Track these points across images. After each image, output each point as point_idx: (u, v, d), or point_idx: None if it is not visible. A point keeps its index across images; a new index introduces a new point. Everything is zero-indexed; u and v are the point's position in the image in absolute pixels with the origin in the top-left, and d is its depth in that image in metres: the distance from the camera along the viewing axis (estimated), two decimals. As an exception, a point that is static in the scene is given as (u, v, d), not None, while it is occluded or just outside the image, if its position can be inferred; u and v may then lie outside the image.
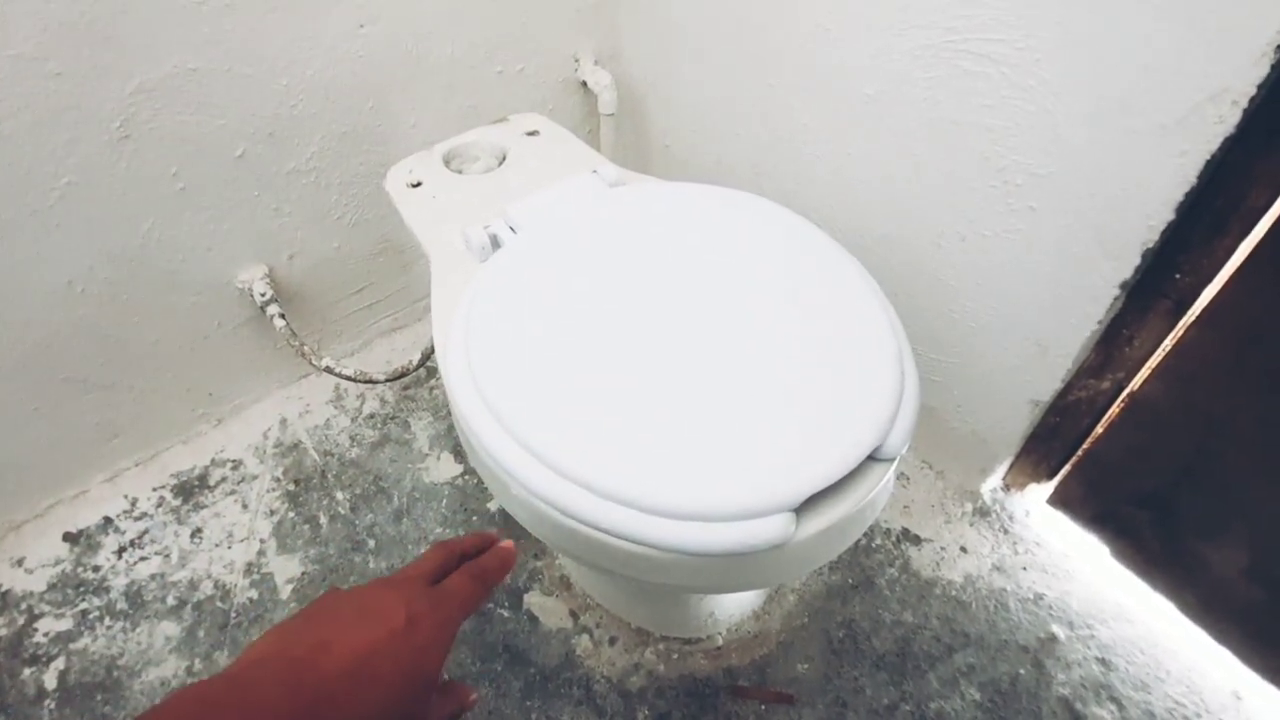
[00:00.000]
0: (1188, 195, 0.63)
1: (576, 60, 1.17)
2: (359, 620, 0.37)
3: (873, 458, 0.56)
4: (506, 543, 0.47)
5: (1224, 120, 0.58)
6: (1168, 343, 0.75)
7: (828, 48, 0.85)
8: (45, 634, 0.92)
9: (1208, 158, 0.60)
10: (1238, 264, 0.66)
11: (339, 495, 1.05)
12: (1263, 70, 0.55)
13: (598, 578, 0.88)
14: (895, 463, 0.58)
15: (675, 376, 0.59)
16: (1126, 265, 0.70)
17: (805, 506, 0.53)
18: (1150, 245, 0.68)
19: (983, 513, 1.01)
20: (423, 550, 0.97)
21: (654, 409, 0.57)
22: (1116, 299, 0.73)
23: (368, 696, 0.35)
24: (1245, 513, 0.78)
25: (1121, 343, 0.77)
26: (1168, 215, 0.65)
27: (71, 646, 0.91)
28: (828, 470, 0.53)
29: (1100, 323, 0.76)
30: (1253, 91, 0.56)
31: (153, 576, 0.97)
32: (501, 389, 0.59)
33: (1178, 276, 0.69)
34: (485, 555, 0.46)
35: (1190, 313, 0.72)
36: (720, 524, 0.52)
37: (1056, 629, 0.89)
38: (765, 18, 0.90)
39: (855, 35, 0.81)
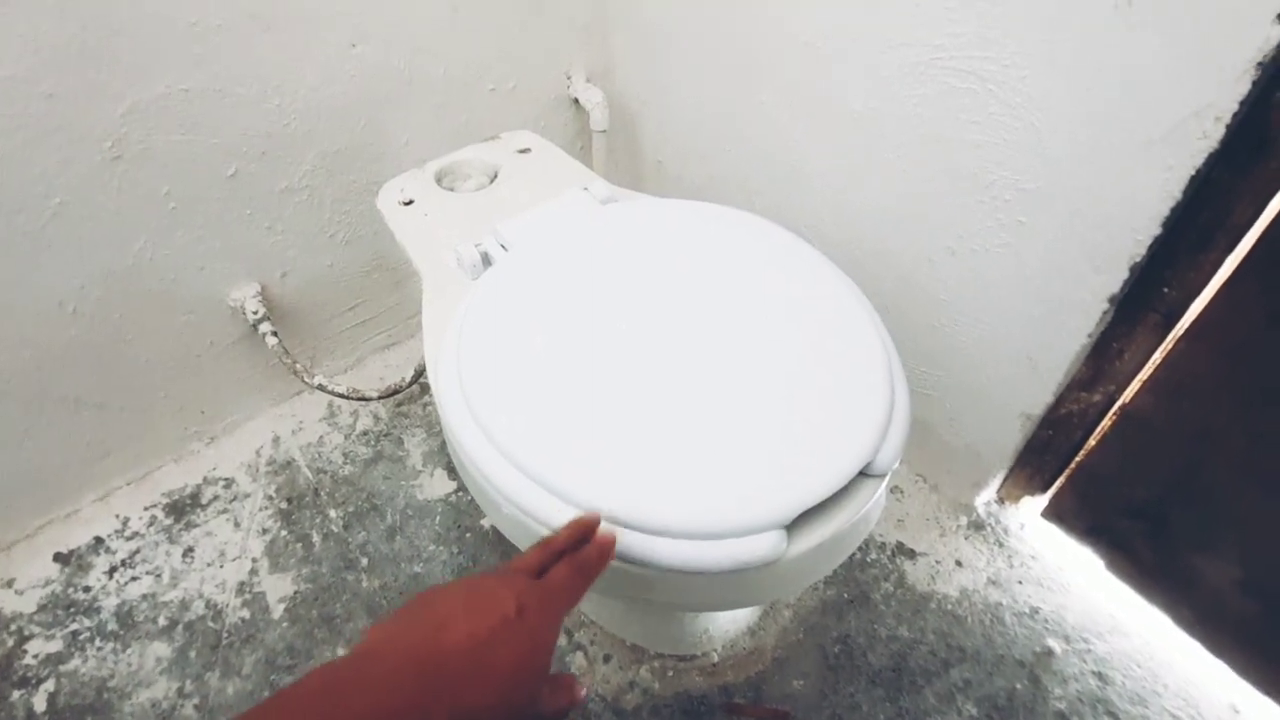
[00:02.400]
0: (1174, 210, 0.64)
1: (568, 77, 1.17)
2: (473, 608, 0.38)
3: (864, 473, 0.56)
4: (607, 535, 0.49)
5: (1208, 136, 0.59)
6: (1157, 356, 0.76)
7: (817, 65, 0.85)
8: (35, 656, 0.91)
9: (1192, 173, 0.61)
10: (1224, 278, 0.67)
11: (332, 513, 1.05)
12: (1244, 87, 0.55)
13: (591, 594, 0.88)
14: (887, 478, 0.58)
15: (666, 394, 0.59)
16: (1115, 279, 0.71)
17: (797, 523, 0.53)
18: (1138, 259, 0.68)
19: (977, 526, 1.01)
20: (417, 569, 0.97)
21: (645, 427, 0.57)
22: (1106, 313, 0.73)
23: (485, 679, 0.36)
24: (1238, 525, 0.78)
25: (1111, 356, 0.77)
26: (1154, 230, 0.65)
27: (61, 668, 0.90)
28: (819, 486, 0.53)
29: (1090, 336, 0.76)
30: (1235, 108, 0.57)
31: (144, 597, 0.96)
32: (493, 407, 0.59)
33: (1166, 290, 0.70)
34: (586, 548, 0.47)
35: (1179, 326, 0.72)
36: (711, 541, 0.51)
37: (1053, 643, 0.89)
38: (755, 36, 0.91)
39: (843, 53, 0.82)
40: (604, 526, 0.50)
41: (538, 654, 0.39)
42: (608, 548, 0.48)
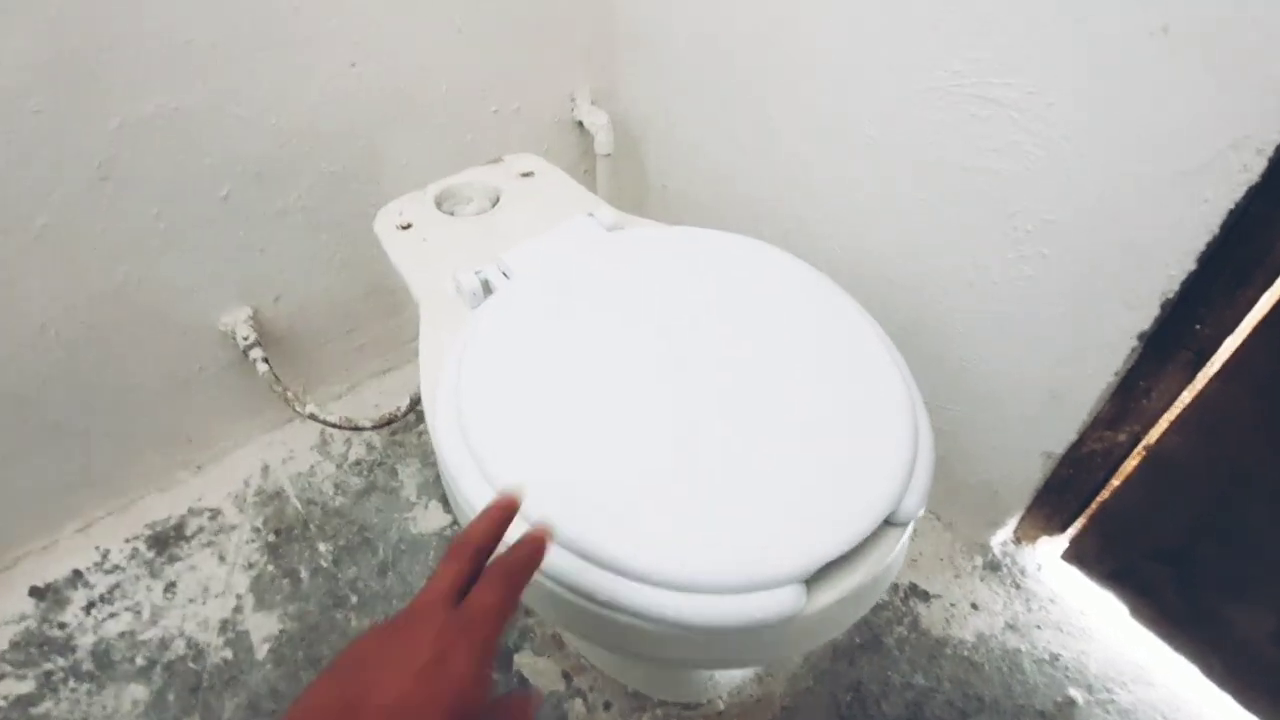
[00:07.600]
0: (1210, 245, 0.61)
1: (573, 99, 1.15)
2: (383, 668, 0.35)
3: (888, 522, 0.53)
4: (537, 531, 0.42)
5: (1248, 168, 0.56)
6: (1186, 395, 0.72)
7: (829, 88, 0.83)
8: (4, 697, 0.86)
9: (1231, 207, 0.58)
10: (1261, 315, 0.64)
11: (321, 547, 1.01)
12: (1289, 118, 0.53)
13: (595, 645, 0.84)
14: (911, 526, 0.54)
15: (676, 436, 0.55)
16: (1145, 316, 0.67)
17: (817, 576, 0.50)
18: (1170, 295, 0.65)
19: (993, 567, 0.97)
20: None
21: (653, 471, 0.53)
22: (1134, 350, 0.70)
23: None
24: (1271, 572, 0.74)
25: (1139, 394, 0.74)
26: (1189, 265, 0.63)
27: (32, 711, 0.85)
28: (841, 537, 0.50)
29: (1117, 374, 0.73)
30: (1278, 140, 0.54)
31: (122, 635, 0.92)
32: (493, 450, 0.55)
33: (1198, 327, 0.67)
34: (512, 549, 0.41)
35: (1211, 364, 0.69)
36: (726, 596, 0.48)
37: (1074, 692, 0.85)
38: (764, 57, 0.89)
39: (857, 76, 0.79)
40: (536, 525, 0.43)
41: (465, 698, 0.35)
42: (539, 546, 0.42)
